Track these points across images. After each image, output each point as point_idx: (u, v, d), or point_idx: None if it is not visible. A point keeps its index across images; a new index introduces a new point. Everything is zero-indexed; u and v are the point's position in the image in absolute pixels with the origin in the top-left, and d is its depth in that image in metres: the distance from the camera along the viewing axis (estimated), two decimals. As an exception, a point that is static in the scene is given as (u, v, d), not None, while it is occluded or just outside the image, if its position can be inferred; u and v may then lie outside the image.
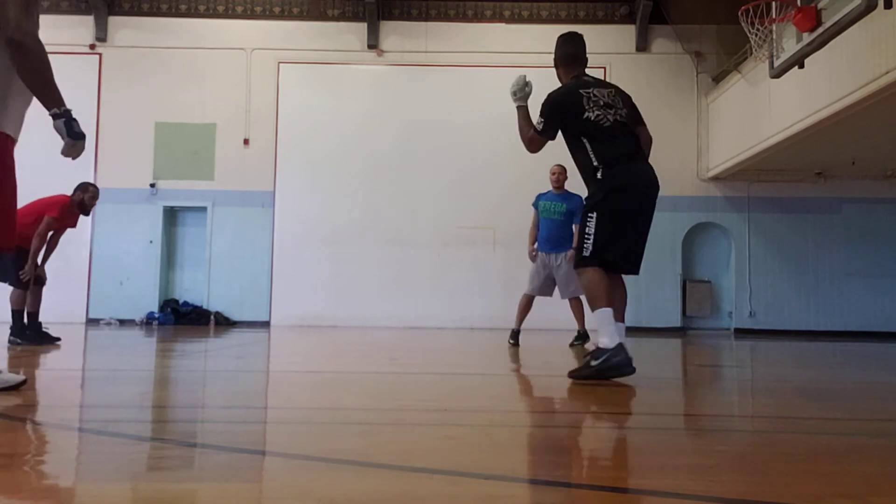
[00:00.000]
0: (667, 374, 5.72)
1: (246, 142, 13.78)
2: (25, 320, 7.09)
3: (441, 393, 4.16)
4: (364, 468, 2.13)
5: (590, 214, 4.20)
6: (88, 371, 5.44)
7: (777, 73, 8.42)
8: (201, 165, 13.75)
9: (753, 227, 13.66)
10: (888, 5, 6.71)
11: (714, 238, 13.79)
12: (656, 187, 4.28)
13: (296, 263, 13.60)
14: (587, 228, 4.19)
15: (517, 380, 5.26)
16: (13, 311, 7.04)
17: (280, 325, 13.23)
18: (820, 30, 7.13)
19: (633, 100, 4.53)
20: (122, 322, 13.10)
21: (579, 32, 4.77)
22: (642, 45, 13.75)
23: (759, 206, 13.62)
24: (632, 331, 12.84)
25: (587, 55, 4.59)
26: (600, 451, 2.62)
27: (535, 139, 4.38)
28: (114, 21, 13.97)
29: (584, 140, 4.23)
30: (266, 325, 13.42)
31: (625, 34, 13.82)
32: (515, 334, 7.80)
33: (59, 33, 13.67)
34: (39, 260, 7.14)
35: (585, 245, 4.19)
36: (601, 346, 4.10)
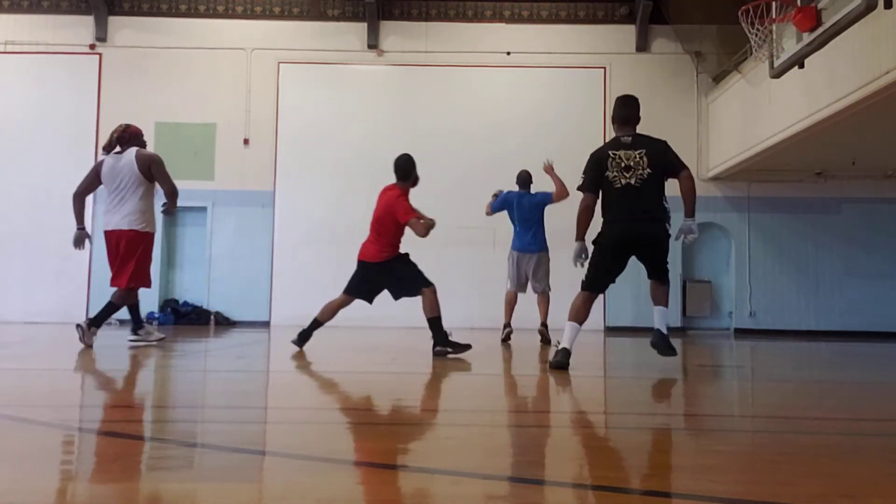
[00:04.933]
0: (667, 375, 5.71)
1: (246, 142, 13.77)
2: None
3: (441, 393, 4.16)
4: (364, 468, 2.13)
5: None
6: (88, 371, 5.44)
7: (777, 73, 8.41)
8: (201, 165, 13.74)
9: (753, 227, 13.65)
10: (888, 5, 6.70)
11: (714, 238, 13.78)
12: (639, 240, 5.30)
13: (296, 263, 13.59)
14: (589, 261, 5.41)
15: (517, 380, 5.26)
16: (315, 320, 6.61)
17: (280, 325, 13.22)
18: (820, 30, 7.12)
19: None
20: (122, 322, 13.07)
21: (634, 96, 5.56)
22: (642, 45, 13.73)
23: (759, 206, 13.61)
24: (632, 331, 12.85)
25: (639, 115, 5.43)
26: (600, 452, 2.62)
27: (581, 199, 5.30)
28: (114, 21, 13.95)
29: (601, 193, 5.27)
30: (266, 325, 13.41)
31: (625, 34, 13.81)
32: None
33: (59, 33, 13.68)
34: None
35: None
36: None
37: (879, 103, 8.04)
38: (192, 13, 13.96)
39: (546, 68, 13.44)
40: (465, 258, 13.40)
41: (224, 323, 13.36)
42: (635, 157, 5.19)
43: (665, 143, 5.39)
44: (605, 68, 13.51)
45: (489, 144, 13.48)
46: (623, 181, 5.16)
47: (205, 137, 13.75)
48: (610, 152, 5.25)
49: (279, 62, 13.84)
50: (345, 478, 2.04)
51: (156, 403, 3.69)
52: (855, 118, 8.75)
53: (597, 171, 5.24)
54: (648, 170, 5.18)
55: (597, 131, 13.51)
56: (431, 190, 14.63)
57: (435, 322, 6.33)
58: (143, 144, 6.98)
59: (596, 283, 5.38)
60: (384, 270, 6.54)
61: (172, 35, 13.85)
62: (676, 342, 10.31)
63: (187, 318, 13.31)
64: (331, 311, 6.68)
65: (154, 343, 6.87)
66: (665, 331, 5.54)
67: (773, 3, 7.75)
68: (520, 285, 8.59)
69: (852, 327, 13.05)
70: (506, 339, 8.48)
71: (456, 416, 3.25)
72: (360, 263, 6.65)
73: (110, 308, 6.77)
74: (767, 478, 2.07)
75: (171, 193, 6.88)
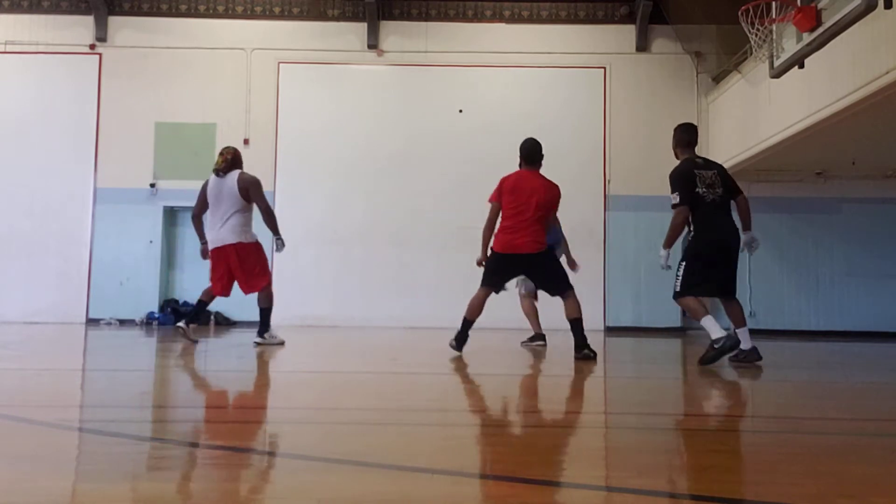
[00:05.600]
0: (667, 375, 5.72)
1: (246, 142, 13.76)
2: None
3: (441, 393, 4.16)
4: (364, 468, 2.13)
5: (681, 261, 5.90)
6: (88, 371, 5.44)
7: (777, 74, 8.40)
8: (201, 165, 13.69)
9: (753, 227, 13.61)
10: (888, 5, 6.69)
11: (714, 238, 13.77)
12: (730, 247, 5.97)
13: (296, 263, 13.57)
14: (678, 270, 5.88)
15: (517, 380, 5.26)
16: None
17: (280, 325, 13.19)
18: (820, 30, 7.11)
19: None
20: (122, 322, 13.09)
21: (693, 123, 6.39)
22: (642, 45, 13.72)
23: (759, 206, 13.49)
24: (632, 331, 12.84)
25: (697, 138, 6.25)
26: (600, 451, 2.62)
27: (679, 212, 5.81)
28: (114, 21, 13.94)
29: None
30: (266, 325, 13.40)
31: (625, 34, 13.80)
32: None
33: (59, 33, 13.67)
34: None
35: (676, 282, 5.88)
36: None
37: (879, 103, 8.03)
38: (192, 13, 13.95)
39: (546, 68, 13.43)
40: (465, 259, 13.34)
41: (224, 323, 13.36)
42: (711, 176, 5.90)
43: (722, 166, 6.22)
44: (605, 68, 13.49)
45: (489, 144, 13.46)
46: (711, 196, 5.84)
47: (205, 137, 13.74)
48: (695, 171, 5.88)
49: (279, 62, 13.83)
50: (345, 478, 2.04)
51: (156, 403, 3.69)
52: (855, 118, 8.74)
53: (690, 188, 5.81)
54: (722, 188, 5.91)
55: (597, 131, 13.50)
56: (431, 190, 14.66)
57: (578, 323, 6.11)
58: (241, 166, 7.58)
59: (691, 288, 5.86)
60: (536, 262, 6.30)
61: (172, 35, 13.84)
62: (676, 342, 10.35)
63: (187, 318, 13.30)
64: (477, 308, 6.59)
65: (192, 342, 7.22)
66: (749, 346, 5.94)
67: (773, 3, 7.74)
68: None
69: (852, 327, 13.04)
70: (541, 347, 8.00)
71: (455, 416, 3.25)
72: (508, 257, 6.36)
73: (265, 313, 7.54)
74: (767, 478, 2.07)
75: (266, 212, 7.29)
